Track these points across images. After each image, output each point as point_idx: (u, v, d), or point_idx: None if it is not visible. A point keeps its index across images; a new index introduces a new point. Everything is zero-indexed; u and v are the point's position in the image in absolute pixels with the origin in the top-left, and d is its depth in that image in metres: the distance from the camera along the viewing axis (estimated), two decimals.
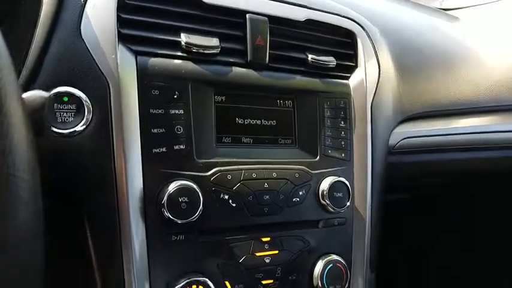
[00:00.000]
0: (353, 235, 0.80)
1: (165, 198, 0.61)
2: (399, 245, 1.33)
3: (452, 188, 1.11)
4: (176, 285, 0.62)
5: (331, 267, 0.75)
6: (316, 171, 0.76)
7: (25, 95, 0.40)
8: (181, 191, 0.62)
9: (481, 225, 1.31)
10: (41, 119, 0.39)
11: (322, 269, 0.74)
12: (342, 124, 0.81)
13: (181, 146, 0.65)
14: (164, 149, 0.64)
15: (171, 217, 0.61)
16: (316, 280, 0.74)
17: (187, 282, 0.62)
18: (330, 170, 0.77)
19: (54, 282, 0.83)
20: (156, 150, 0.63)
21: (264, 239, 0.71)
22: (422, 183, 1.09)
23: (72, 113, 0.59)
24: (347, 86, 0.83)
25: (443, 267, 1.40)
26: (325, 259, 0.75)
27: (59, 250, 0.77)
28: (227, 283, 0.67)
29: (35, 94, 0.40)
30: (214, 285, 0.64)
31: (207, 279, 0.64)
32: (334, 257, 0.76)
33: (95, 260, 0.63)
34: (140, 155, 0.62)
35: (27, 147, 0.34)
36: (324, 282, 0.74)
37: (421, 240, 1.41)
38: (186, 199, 0.62)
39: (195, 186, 0.63)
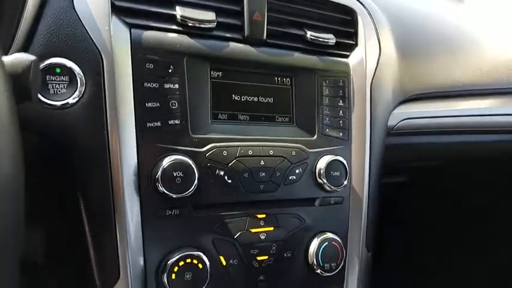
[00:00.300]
0: (349, 214, 0.80)
1: (160, 172, 0.61)
2: (397, 227, 1.33)
3: (451, 170, 1.10)
4: (170, 259, 0.62)
5: (326, 245, 0.74)
6: (314, 150, 0.75)
7: (6, 58, 0.39)
8: (175, 165, 0.61)
9: (479, 208, 1.31)
10: (26, 84, 0.38)
11: (318, 246, 0.74)
12: (341, 103, 0.80)
13: (176, 121, 0.64)
14: (159, 124, 0.63)
15: (166, 191, 0.61)
16: (312, 258, 0.74)
17: (181, 257, 0.62)
18: (327, 149, 0.77)
19: (47, 257, 0.84)
20: (150, 124, 0.62)
21: (260, 216, 0.71)
22: (421, 166, 1.08)
23: (65, 85, 0.58)
24: (346, 64, 0.82)
25: (441, 251, 1.40)
26: (321, 237, 0.75)
27: (53, 225, 0.78)
28: (222, 258, 0.67)
29: (18, 57, 0.38)
30: (208, 260, 0.64)
31: (201, 254, 0.64)
32: (330, 235, 0.76)
33: (90, 235, 0.63)
34: (134, 129, 0.62)
35: (7, 110, 0.33)
36: (319, 260, 0.74)
37: (419, 224, 1.41)
38: (180, 174, 0.61)
39: (190, 161, 0.63)
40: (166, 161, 0.61)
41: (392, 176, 1.08)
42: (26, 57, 0.39)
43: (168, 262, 0.62)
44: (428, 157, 1.05)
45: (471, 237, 1.34)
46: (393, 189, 1.08)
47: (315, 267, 0.74)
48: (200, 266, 0.63)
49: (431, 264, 1.41)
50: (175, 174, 0.61)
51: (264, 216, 0.71)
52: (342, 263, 0.77)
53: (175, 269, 0.62)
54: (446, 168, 1.05)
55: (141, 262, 0.62)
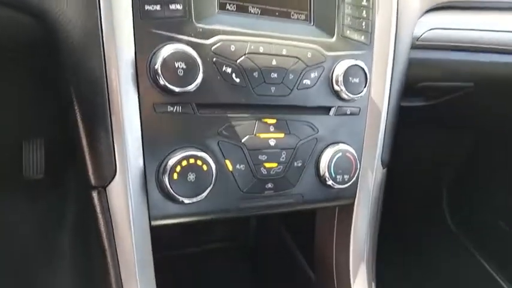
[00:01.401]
0: (366, 127, 0.74)
1: (159, 62, 0.54)
2: (412, 150, 1.28)
3: (479, 93, 1.02)
4: (171, 158, 0.57)
5: (340, 156, 0.69)
6: (332, 53, 0.68)
7: None
8: (177, 55, 0.55)
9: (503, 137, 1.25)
10: None
11: (331, 157, 0.69)
12: (364, 2, 0.71)
13: (178, 6, 0.56)
14: (158, 7, 0.55)
15: (167, 84, 0.55)
16: (323, 169, 0.69)
17: (184, 156, 0.57)
18: (347, 53, 0.69)
19: (47, 166, 0.80)
20: (149, 7, 0.55)
21: (269, 121, 0.65)
22: (444, 86, 1.00)
23: None
24: None
25: (457, 177, 1.37)
26: (334, 148, 0.69)
27: (48, 126, 0.73)
28: (227, 162, 0.62)
29: None
30: (214, 163, 0.59)
31: (205, 155, 0.59)
32: (344, 146, 0.70)
33: (83, 130, 0.58)
34: (131, 11, 0.54)
35: None
36: (332, 171, 0.69)
37: (437, 147, 1.36)
38: (183, 65, 0.55)
39: (193, 52, 0.56)
40: (166, 50, 0.54)
41: (412, 98, 1.00)
42: None
43: (170, 161, 0.57)
44: (455, 77, 0.97)
45: (491, 166, 1.30)
46: (413, 111, 1.02)
47: (326, 178, 0.69)
48: (205, 167, 0.59)
49: (447, 191, 1.39)
50: (177, 66, 0.55)
51: (274, 121, 0.65)
52: (355, 177, 0.72)
53: (178, 169, 0.57)
54: (473, 91, 0.97)
55: (140, 160, 0.58)
